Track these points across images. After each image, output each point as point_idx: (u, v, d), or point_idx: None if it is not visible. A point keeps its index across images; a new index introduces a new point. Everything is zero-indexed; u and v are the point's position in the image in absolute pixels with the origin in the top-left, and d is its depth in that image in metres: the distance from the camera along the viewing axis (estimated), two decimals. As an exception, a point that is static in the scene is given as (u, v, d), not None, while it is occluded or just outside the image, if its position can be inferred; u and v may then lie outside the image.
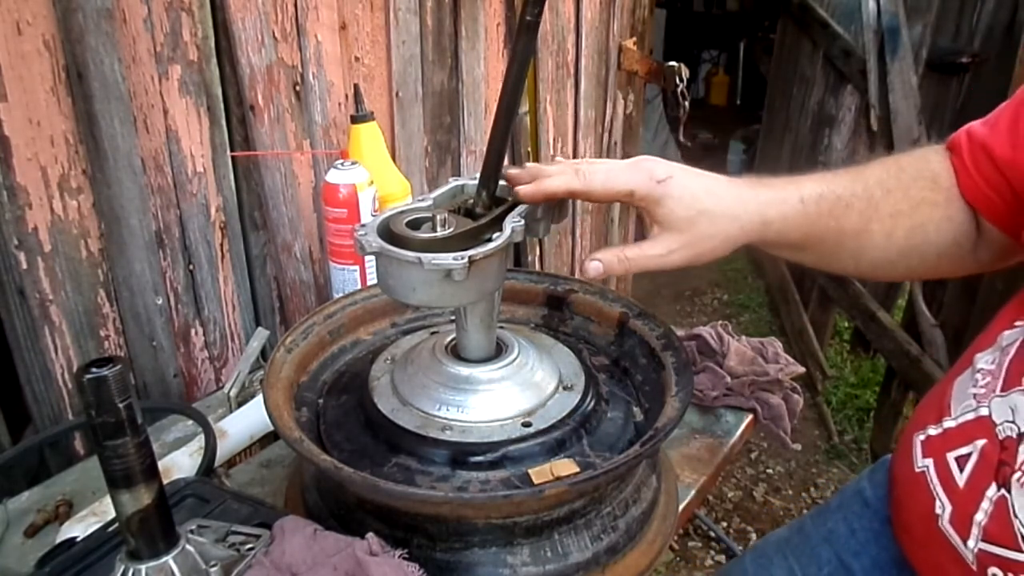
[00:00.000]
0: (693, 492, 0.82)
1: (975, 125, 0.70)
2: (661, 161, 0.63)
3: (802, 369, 0.96)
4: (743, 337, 0.99)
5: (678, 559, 2.03)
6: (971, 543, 0.62)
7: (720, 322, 1.00)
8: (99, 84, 0.89)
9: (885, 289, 2.62)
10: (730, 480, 2.33)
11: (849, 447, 2.49)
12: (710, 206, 0.61)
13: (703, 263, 0.63)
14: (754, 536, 2.12)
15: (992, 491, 0.61)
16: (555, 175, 0.63)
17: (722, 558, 2.04)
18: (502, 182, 0.68)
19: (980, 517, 0.61)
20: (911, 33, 2.35)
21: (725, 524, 2.17)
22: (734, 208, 0.62)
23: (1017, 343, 0.65)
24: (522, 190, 0.63)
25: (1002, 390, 0.64)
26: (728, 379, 0.93)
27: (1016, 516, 0.58)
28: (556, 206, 0.70)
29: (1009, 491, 0.60)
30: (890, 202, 0.67)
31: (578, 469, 0.65)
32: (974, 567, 0.62)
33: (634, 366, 0.81)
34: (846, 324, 2.98)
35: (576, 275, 1.97)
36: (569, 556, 0.64)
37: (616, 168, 0.62)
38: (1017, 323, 0.67)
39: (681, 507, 0.78)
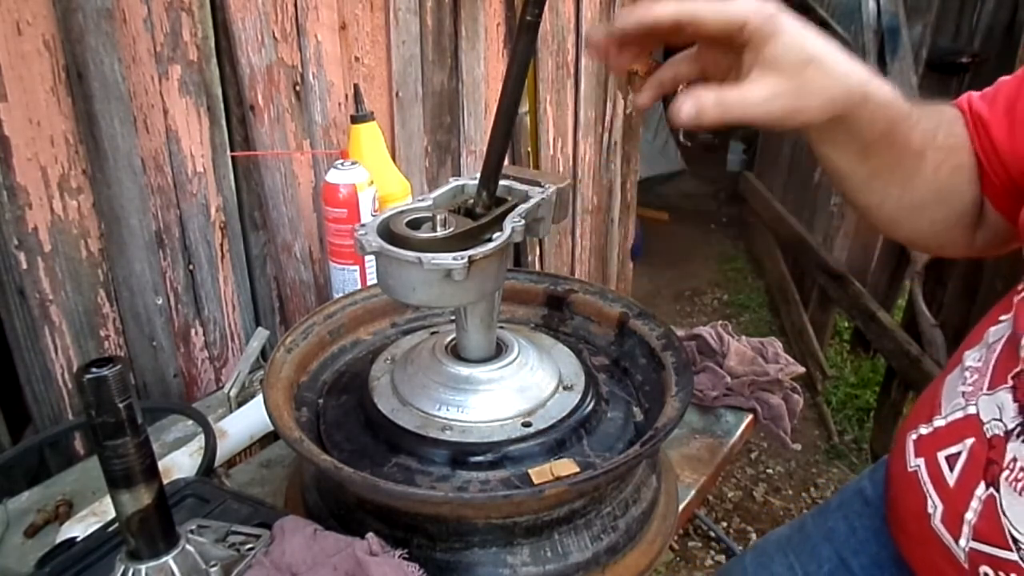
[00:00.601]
0: (693, 492, 0.82)
1: (974, 98, 0.69)
2: None
3: (802, 369, 0.96)
4: (743, 337, 0.99)
5: (678, 559, 2.03)
6: (962, 542, 0.62)
7: (720, 322, 1.00)
8: (99, 84, 0.89)
9: (885, 289, 2.62)
10: (730, 480, 2.33)
11: (849, 447, 2.49)
12: (823, 55, 0.55)
13: (799, 122, 0.57)
14: (754, 536, 2.12)
15: (981, 490, 0.61)
16: (656, 5, 0.56)
17: (722, 558, 2.04)
18: (502, 182, 0.68)
19: (970, 516, 0.61)
20: (911, 33, 2.35)
21: (725, 524, 2.17)
22: (844, 67, 0.56)
23: (1003, 339, 0.65)
24: (619, 24, 0.57)
25: (989, 388, 0.64)
26: (728, 379, 0.93)
27: (1004, 514, 0.58)
28: (557, 205, 0.70)
29: (998, 490, 0.59)
30: (941, 134, 0.66)
31: (578, 469, 0.65)
32: (966, 566, 0.62)
33: (634, 366, 0.81)
34: (846, 324, 2.98)
35: (576, 275, 1.96)
36: (569, 556, 0.64)
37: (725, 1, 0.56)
38: (1002, 318, 0.67)
39: (681, 507, 0.78)
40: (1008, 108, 0.65)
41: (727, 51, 0.57)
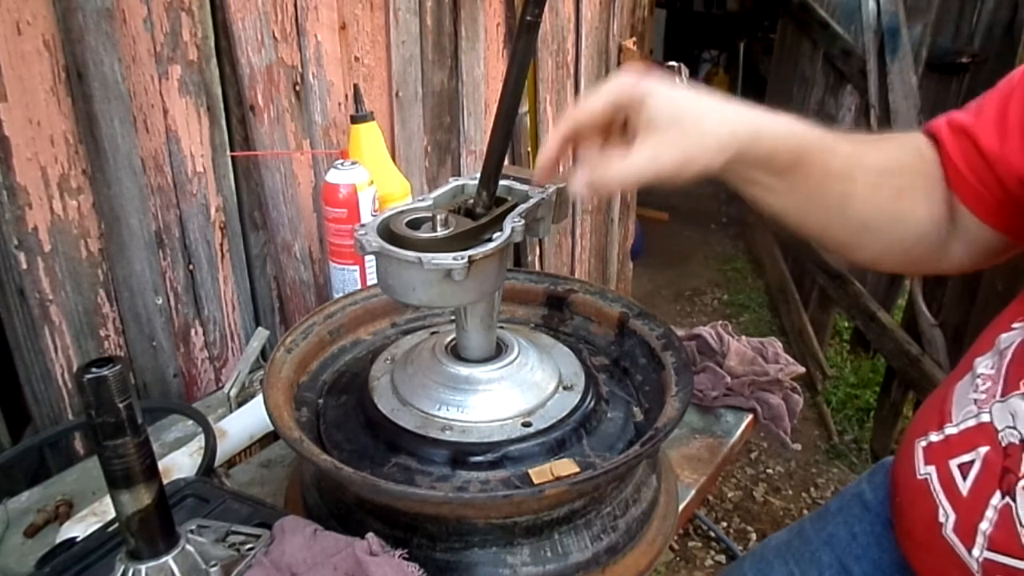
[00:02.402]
0: (693, 492, 0.82)
1: (955, 114, 0.67)
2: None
3: (802, 369, 0.96)
4: (743, 337, 0.99)
5: (678, 559, 2.03)
6: (976, 552, 0.61)
7: (720, 322, 1.00)
8: (99, 84, 0.89)
9: (885, 289, 2.62)
10: (730, 480, 2.33)
11: (849, 447, 2.49)
12: (696, 106, 0.58)
13: (696, 171, 0.58)
14: (754, 536, 2.12)
15: (996, 499, 0.60)
16: (549, 137, 0.62)
17: (722, 558, 2.04)
18: (502, 182, 0.68)
19: (985, 526, 0.60)
20: (911, 33, 2.35)
21: (725, 524, 2.17)
22: (722, 111, 0.59)
23: (1015, 346, 0.64)
24: (536, 173, 0.63)
25: (1002, 395, 0.62)
26: (728, 379, 0.93)
27: (1021, 524, 0.58)
28: (557, 205, 0.70)
29: (1014, 499, 0.58)
30: (875, 156, 0.65)
31: (578, 469, 0.65)
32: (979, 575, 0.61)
33: (634, 366, 0.81)
34: (846, 324, 2.98)
35: (576, 275, 1.96)
36: (569, 556, 0.64)
37: (593, 89, 0.61)
38: (1015, 325, 0.66)
39: (681, 507, 0.78)
40: (999, 115, 0.63)
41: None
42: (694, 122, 0.57)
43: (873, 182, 0.64)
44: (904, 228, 0.67)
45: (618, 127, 0.61)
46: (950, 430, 0.67)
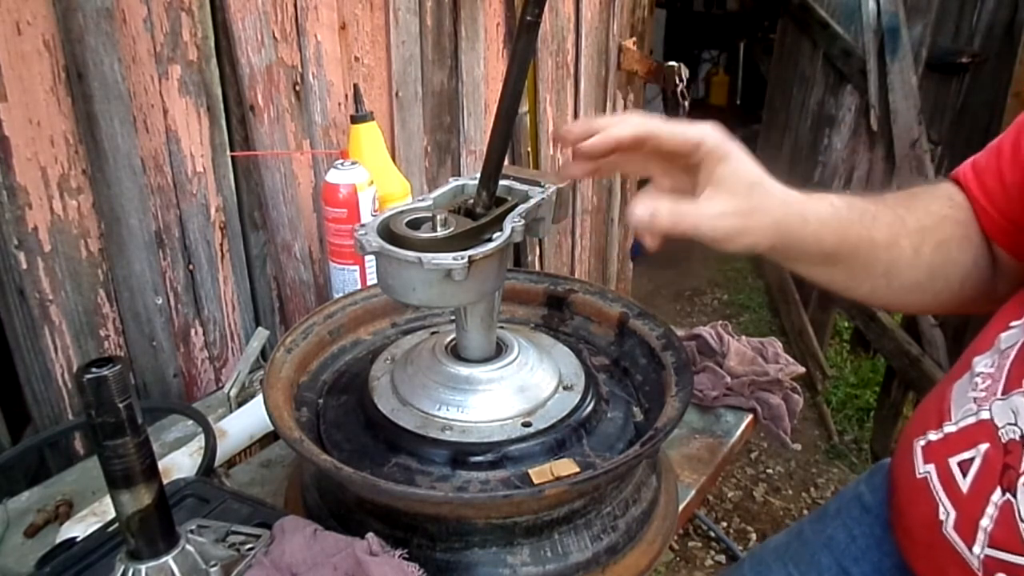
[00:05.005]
0: (693, 492, 0.82)
1: (978, 156, 0.70)
2: None
3: (802, 369, 0.96)
4: (743, 337, 0.99)
5: (678, 559, 2.03)
6: (976, 549, 0.61)
7: (720, 322, 1.00)
8: (99, 84, 0.89)
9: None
10: (730, 480, 2.33)
11: (849, 447, 2.49)
12: (765, 181, 0.60)
13: (743, 246, 0.59)
14: (754, 536, 2.12)
15: (997, 496, 0.60)
16: (619, 123, 0.60)
17: (722, 558, 2.04)
18: (502, 182, 0.68)
19: (986, 523, 0.60)
20: (911, 33, 2.35)
21: (725, 524, 2.17)
22: (782, 192, 0.60)
23: (1017, 345, 0.64)
24: (586, 144, 0.60)
25: (1003, 393, 0.63)
26: (728, 379, 0.93)
27: (1022, 520, 0.58)
28: (557, 205, 0.70)
29: (1015, 495, 0.59)
30: (914, 217, 0.67)
31: (578, 469, 0.65)
32: (980, 573, 0.61)
33: (634, 366, 0.81)
34: (846, 324, 2.98)
35: (576, 275, 1.96)
36: (569, 556, 0.64)
37: (683, 122, 0.60)
38: (1013, 324, 0.66)
39: (681, 507, 0.78)
40: (1014, 150, 0.66)
41: (674, 168, 0.62)
42: (761, 197, 0.59)
43: (916, 243, 0.66)
44: (947, 278, 0.69)
45: (677, 168, 0.61)
46: (949, 428, 0.67)
